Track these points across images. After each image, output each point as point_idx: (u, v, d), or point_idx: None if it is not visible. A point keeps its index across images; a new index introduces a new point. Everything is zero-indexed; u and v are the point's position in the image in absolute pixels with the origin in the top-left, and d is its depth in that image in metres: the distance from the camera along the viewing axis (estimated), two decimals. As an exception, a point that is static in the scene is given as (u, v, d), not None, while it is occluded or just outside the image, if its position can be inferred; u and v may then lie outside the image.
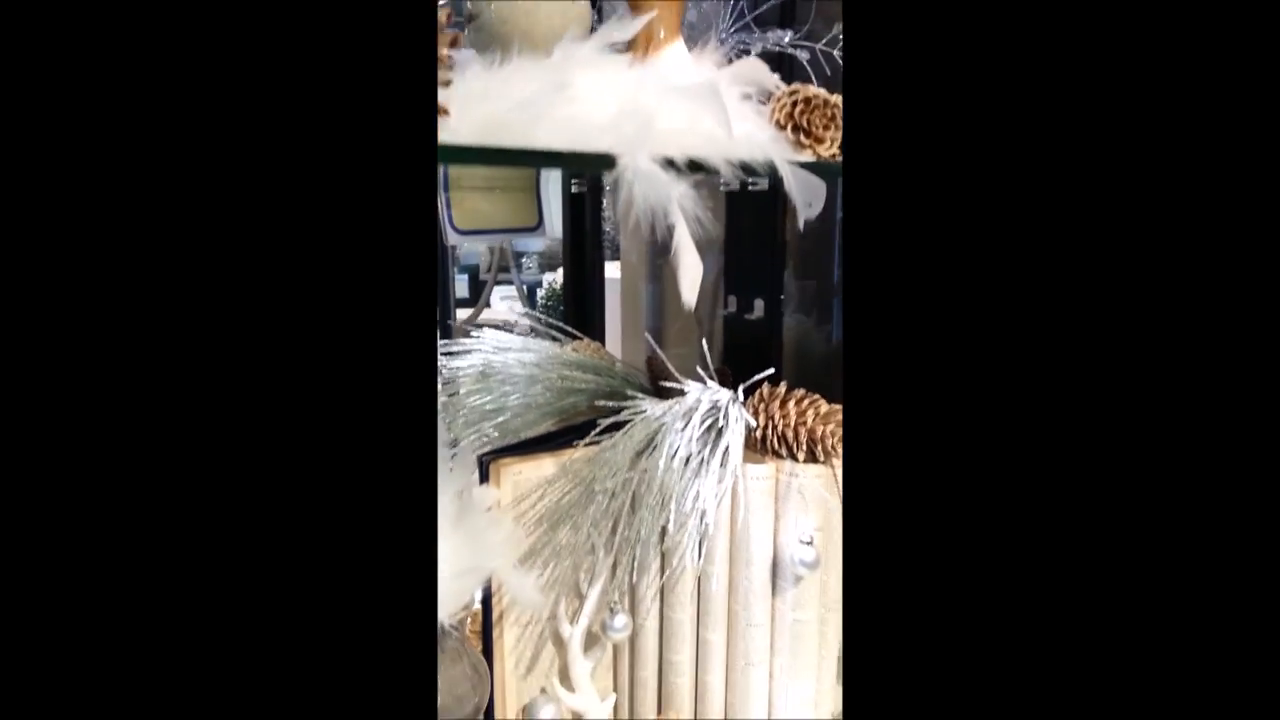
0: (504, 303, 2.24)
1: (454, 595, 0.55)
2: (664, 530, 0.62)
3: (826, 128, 0.51)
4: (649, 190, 0.40)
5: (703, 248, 0.43)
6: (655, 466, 0.60)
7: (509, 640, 0.64)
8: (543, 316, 0.78)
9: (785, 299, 0.88)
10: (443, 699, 0.55)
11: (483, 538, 0.57)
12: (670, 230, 0.41)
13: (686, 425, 0.62)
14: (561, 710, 0.60)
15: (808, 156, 0.51)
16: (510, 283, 2.12)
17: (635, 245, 1.21)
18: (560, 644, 0.65)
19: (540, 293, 2.16)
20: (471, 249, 2.57)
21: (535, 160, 0.38)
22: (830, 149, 0.52)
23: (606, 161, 0.40)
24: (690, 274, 0.43)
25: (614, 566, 0.63)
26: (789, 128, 0.51)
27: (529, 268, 2.44)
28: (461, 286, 2.30)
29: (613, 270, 1.22)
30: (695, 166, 0.43)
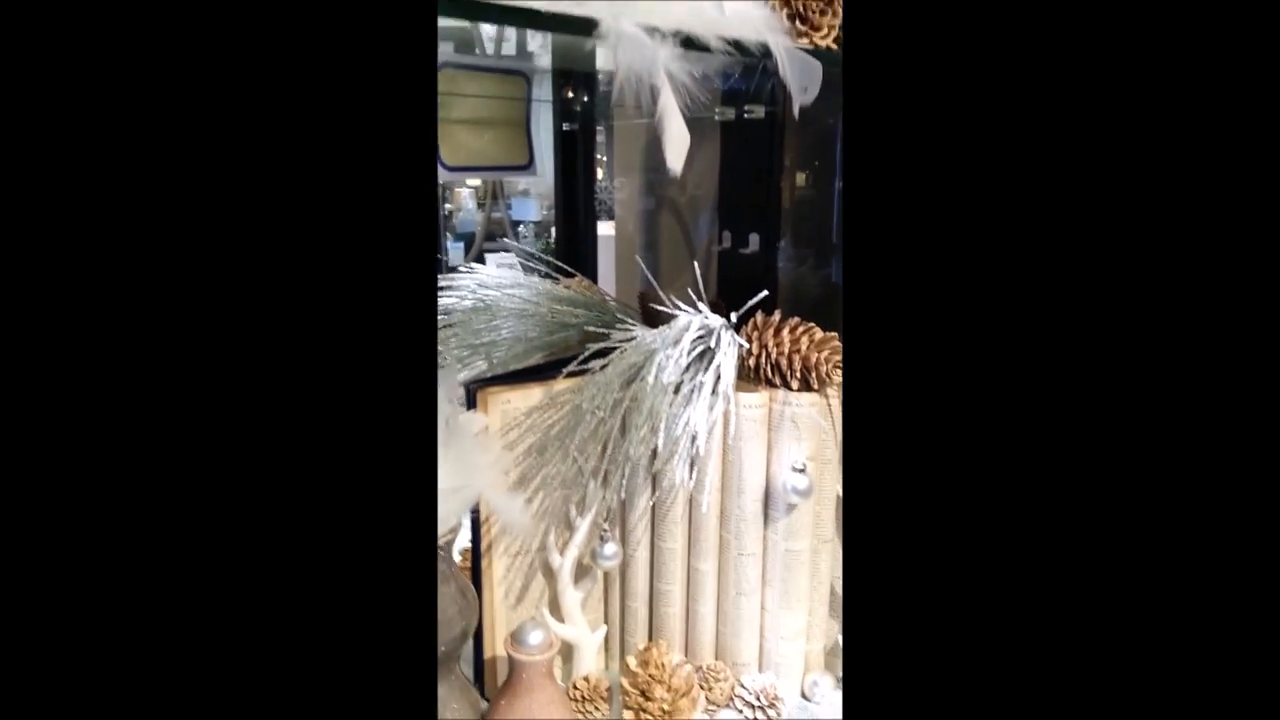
0: (500, 270, 2.22)
1: (440, 516, 0.54)
2: (654, 453, 0.60)
3: (823, 14, 0.48)
4: (633, 55, 0.37)
5: (690, 122, 0.41)
6: (644, 390, 0.59)
7: (498, 570, 0.63)
8: (535, 252, 0.76)
9: (781, 255, 0.87)
10: (427, 621, 0.53)
11: (469, 460, 0.55)
12: (655, 95, 0.39)
13: (676, 349, 0.60)
14: (550, 636, 0.58)
15: (804, 45, 0.49)
16: (505, 249, 2.12)
17: (630, 213, 1.20)
18: (550, 574, 0.64)
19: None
20: (468, 218, 2.55)
21: (512, 18, 0.36)
22: (827, 37, 0.49)
23: (588, 24, 0.38)
24: (676, 141, 0.41)
25: (604, 491, 0.61)
26: (784, 14, 0.49)
27: (525, 236, 2.42)
28: (456, 254, 2.27)
29: (606, 229, 1.20)
30: (686, 43, 0.41)
